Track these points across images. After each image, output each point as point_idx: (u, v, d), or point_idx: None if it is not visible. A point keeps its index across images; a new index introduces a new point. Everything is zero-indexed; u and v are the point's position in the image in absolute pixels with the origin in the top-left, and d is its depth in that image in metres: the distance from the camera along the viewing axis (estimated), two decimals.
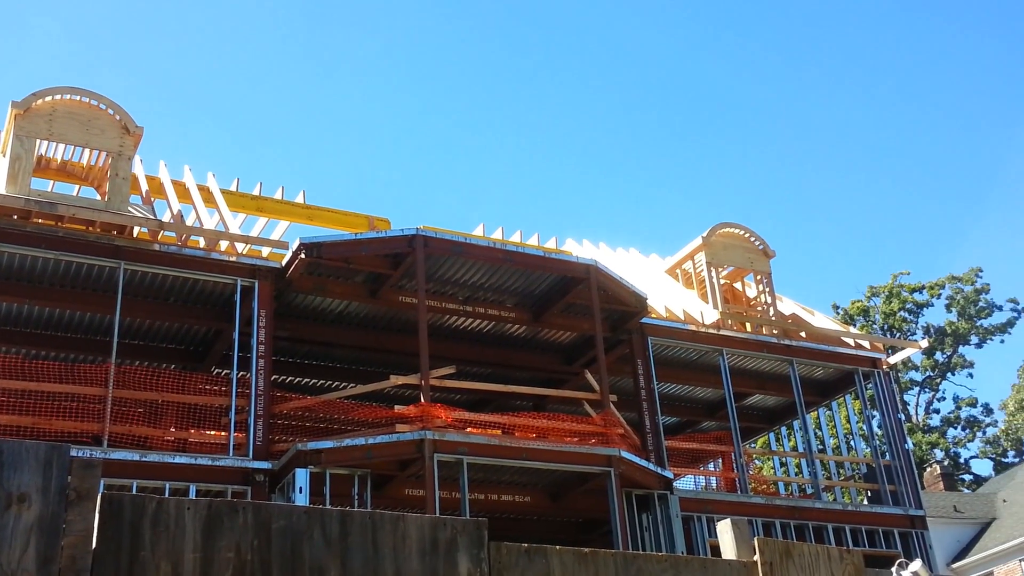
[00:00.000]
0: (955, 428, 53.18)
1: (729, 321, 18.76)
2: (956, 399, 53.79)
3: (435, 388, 14.77)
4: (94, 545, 3.02)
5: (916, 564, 4.91)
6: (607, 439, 15.19)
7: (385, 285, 15.78)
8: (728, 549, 4.61)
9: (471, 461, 13.85)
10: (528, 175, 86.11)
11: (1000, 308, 53.70)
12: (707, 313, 18.52)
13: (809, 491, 19.83)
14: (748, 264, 19.88)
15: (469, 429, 14.77)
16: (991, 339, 53.61)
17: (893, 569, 4.94)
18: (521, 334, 17.80)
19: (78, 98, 14.80)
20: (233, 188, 18.05)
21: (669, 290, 19.70)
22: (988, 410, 53.24)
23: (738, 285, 20.73)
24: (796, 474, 23.68)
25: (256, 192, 18.19)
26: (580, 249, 21.70)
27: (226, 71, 78.25)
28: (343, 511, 3.46)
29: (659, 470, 15.71)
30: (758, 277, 19.99)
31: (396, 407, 14.79)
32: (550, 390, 17.17)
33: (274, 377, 16.15)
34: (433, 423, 13.88)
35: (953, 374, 54.15)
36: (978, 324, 53.42)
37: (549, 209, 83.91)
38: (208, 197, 16.79)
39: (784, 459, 24.80)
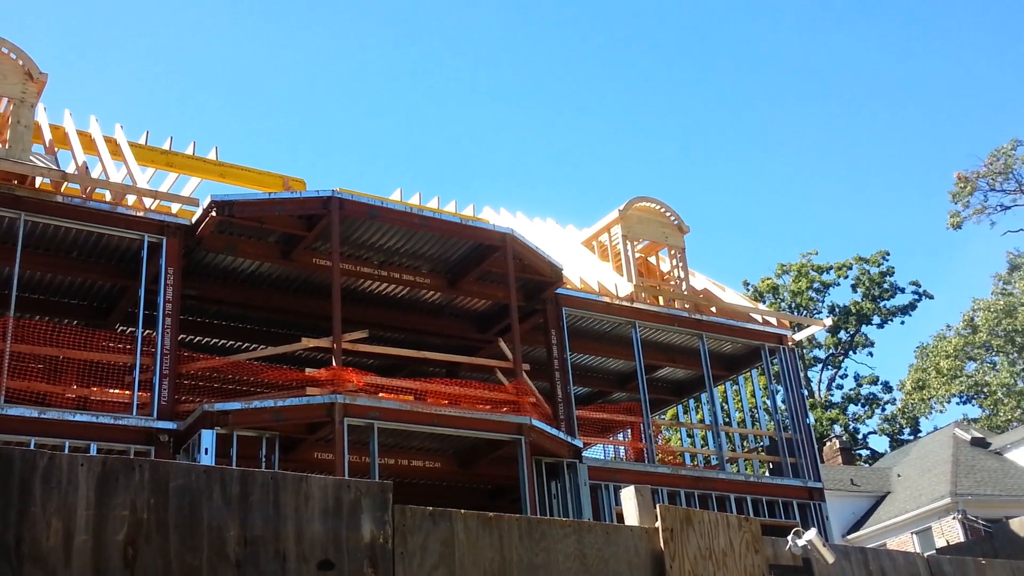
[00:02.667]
0: (855, 405, 55.02)
1: (642, 294, 19.00)
2: (857, 377, 55.62)
3: (347, 352, 14.66)
4: None
5: (811, 533, 5.07)
6: (519, 407, 15.29)
7: (299, 247, 15.56)
8: (631, 516, 4.69)
9: (382, 426, 13.80)
10: (448, 142, 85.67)
11: (903, 290, 55.57)
12: (621, 286, 18.73)
13: (714, 462, 20.31)
14: (663, 239, 20.14)
15: (381, 394, 14.69)
16: (892, 320, 55.48)
17: (789, 538, 5.09)
18: (436, 301, 17.75)
19: None
20: (142, 141, 17.52)
21: (585, 262, 19.85)
22: (887, 388, 55.20)
23: (652, 259, 21.00)
24: (702, 446, 24.23)
25: (166, 147, 17.69)
26: (497, 217, 21.70)
27: (139, 20, 75.74)
28: (244, 471, 3.41)
29: (569, 439, 15.87)
30: (672, 252, 20.28)
31: (307, 370, 14.63)
32: (463, 357, 17.18)
33: (182, 336, 15.82)
34: (344, 387, 13.78)
35: (855, 352, 55.95)
36: (881, 305, 55.19)
37: (467, 177, 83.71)
38: (115, 149, 16.27)
39: (691, 431, 25.34)
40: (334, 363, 14.06)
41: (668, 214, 20.24)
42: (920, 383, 52.36)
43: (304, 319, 16.77)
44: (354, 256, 16.18)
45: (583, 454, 16.17)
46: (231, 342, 17.51)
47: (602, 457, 19.06)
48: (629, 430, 20.39)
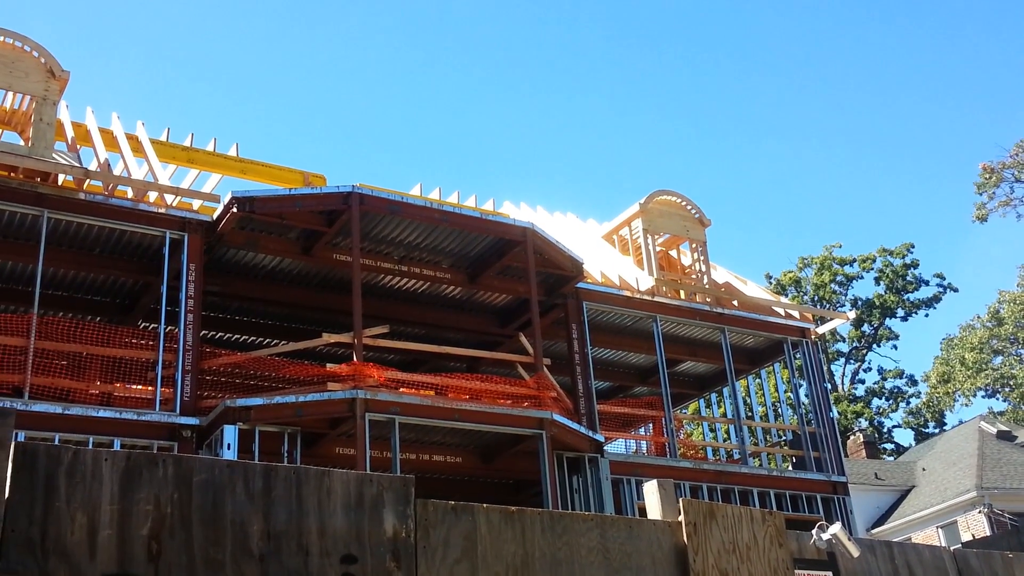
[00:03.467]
0: (879, 398, 54.66)
1: (664, 288, 18.94)
2: (881, 370, 55.26)
3: (368, 347, 14.68)
4: (7, 494, 2.94)
5: (835, 527, 5.03)
6: (540, 402, 15.28)
7: (319, 242, 15.59)
8: (654, 509, 4.68)
9: (403, 421, 13.82)
10: (468, 137, 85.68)
11: (927, 283, 55.12)
12: (642, 280, 18.67)
13: (736, 456, 20.24)
14: (684, 232, 20.06)
15: (402, 389, 14.71)
16: (917, 313, 55.05)
17: (813, 531, 5.06)
18: (456, 295, 17.76)
19: (1, 39, 14.26)
20: (163, 138, 17.62)
21: (605, 256, 19.81)
22: (912, 381, 54.78)
23: (673, 253, 20.93)
24: (724, 440, 24.16)
25: (187, 143, 17.78)
26: (517, 212, 21.68)
27: (160, 19, 76.14)
28: (267, 465, 3.42)
29: (590, 433, 15.86)
30: (693, 245, 20.20)
31: (328, 366, 14.68)
32: (484, 352, 17.18)
33: (203, 332, 15.92)
34: (365, 382, 13.81)
35: (879, 346, 55.58)
36: (905, 298, 54.77)
37: (488, 171, 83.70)
38: (137, 146, 16.36)
39: (713, 425, 25.27)
40: (355, 358, 14.09)
41: (689, 207, 20.16)
42: (945, 376, 51.97)
43: (325, 315, 16.81)
44: (374, 251, 16.21)
45: (604, 448, 16.14)
46: (253, 338, 17.59)
47: (624, 452, 19.02)
48: (651, 424, 20.32)
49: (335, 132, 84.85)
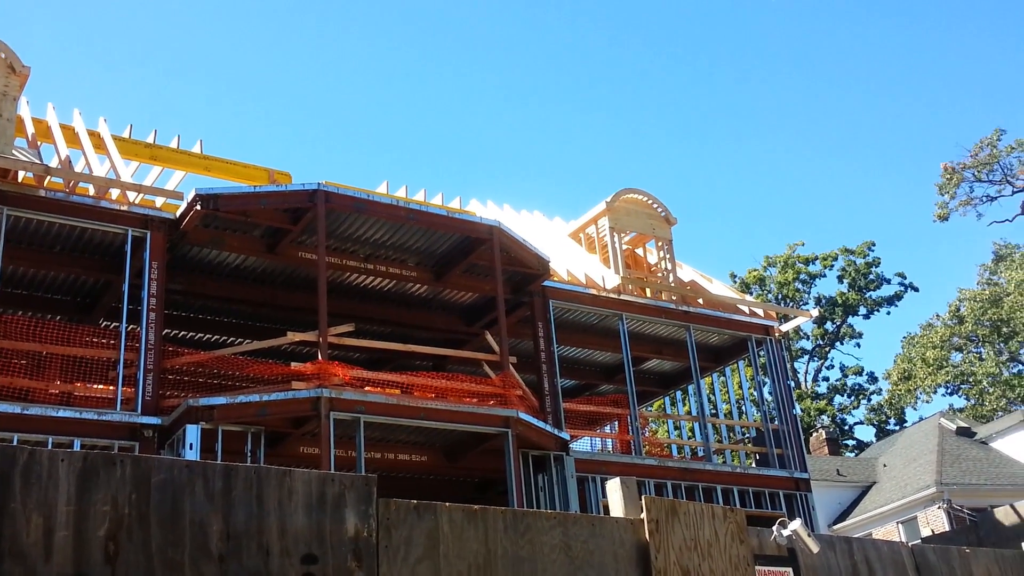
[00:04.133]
0: (841, 395, 55.28)
1: (629, 286, 19.02)
2: (843, 368, 55.90)
3: (333, 346, 14.62)
4: None
5: (795, 524, 5.08)
6: (505, 400, 15.29)
7: (284, 240, 15.50)
8: (616, 507, 4.70)
9: (368, 420, 13.77)
10: (434, 134, 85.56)
11: (888, 281, 55.83)
12: (608, 278, 18.74)
13: (701, 454, 20.37)
14: (650, 230, 20.16)
15: (367, 388, 14.67)
16: (879, 311, 55.73)
17: (774, 528, 5.11)
18: (422, 294, 17.73)
19: None
20: (126, 135, 17.41)
21: (572, 254, 19.86)
22: (873, 379, 55.45)
23: (639, 251, 21.03)
24: (689, 437, 24.28)
25: (150, 140, 17.58)
26: (484, 210, 21.68)
27: (122, 14, 75.26)
28: (226, 465, 3.39)
29: (556, 431, 15.89)
30: (659, 243, 20.30)
31: (293, 364, 14.58)
32: (450, 350, 17.15)
33: (166, 331, 15.75)
34: (330, 380, 13.75)
35: (841, 343, 56.21)
36: (867, 296, 55.44)
37: (454, 170, 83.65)
38: (99, 143, 16.16)
39: (678, 423, 25.39)
40: (320, 357, 14.02)
41: (655, 206, 20.27)
42: (906, 373, 52.63)
43: (290, 313, 16.72)
44: (340, 249, 16.14)
45: (570, 447, 16.19)
46: (216, 336, 17.45)
47: (589, 450, 19.08)
48: (616, 422, 20.41)
49: (301, 130, 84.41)
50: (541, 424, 15.55)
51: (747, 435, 22.69)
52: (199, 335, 17.36)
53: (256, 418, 13.33)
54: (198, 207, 14.23)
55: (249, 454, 13.28)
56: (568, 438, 16.25)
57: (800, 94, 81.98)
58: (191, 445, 12.65)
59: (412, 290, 17.55)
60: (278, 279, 16.67)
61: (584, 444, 19.39)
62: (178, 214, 14.75)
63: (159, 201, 15.81)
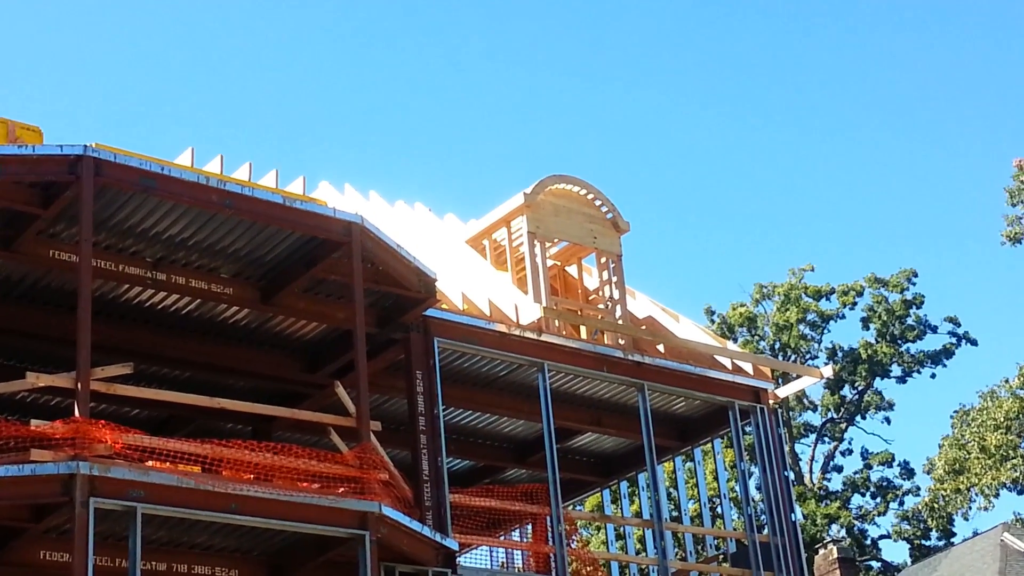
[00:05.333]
0: (862, 495, 56.18)
1: (556, 322, 19.12)
2: (866, 454, 56.83)
3: (99, 396, 14.45)
4: None
5: None
6: (363, 487, 15.26)
7: (28, 231, 15.26)
8: None
9: (149, 511, 13.68)
10: (267, 90, 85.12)
11: (935, 329, 56.93)
12: (525, 308, 18.81)
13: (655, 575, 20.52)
14: (590, 239, 20.33)
15: (150, 462, 14.49)
16: (919, 371, 56.77)
17: None
18: (242, 320, 17.66)
19: None
20: None
21: (471, 270, 19.91)
22: (908, 472, 56.44)
23: (573, 269, 21.18)
24: (638, 552, 24.44)
25: None
26: (340, 199, 21.64)
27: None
28: None
29: (438, 537, 15.91)
30: (603, 260, 20.48)
31: (34, 423, 14.30)
32: (281, 409, 17.12)
33: None
34: (92, 449, 13.56)
35: (864, 418, 57.18)
36: (903, 349, 56.42)
37: (294, 137, 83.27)
38: None
39: (622, 529, 25.57)
40: (77, 412, 13.81)
41: (598, 203, 20.45)
42: (957, 465, 53.70)
43: (32, 343, 16.57)
44: (117, 248, 16.00)
45: (458, 561, 16.18)
46: None
47: (488, 566, 19.07)
48: (530, 526, 20.45)
49: (68, 75, 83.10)
50: (416, 525, 15.57)
51: (723, 551, 22.93)
52: None
53: None
54: None
55: None
56: (456, 548, 16.22)
57: (808, 59, 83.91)
58: None
59: (227, 315, 17.48)
60: (16, 290, 16.43)
61: (481, 557, 19.37)
62: None
63: None
